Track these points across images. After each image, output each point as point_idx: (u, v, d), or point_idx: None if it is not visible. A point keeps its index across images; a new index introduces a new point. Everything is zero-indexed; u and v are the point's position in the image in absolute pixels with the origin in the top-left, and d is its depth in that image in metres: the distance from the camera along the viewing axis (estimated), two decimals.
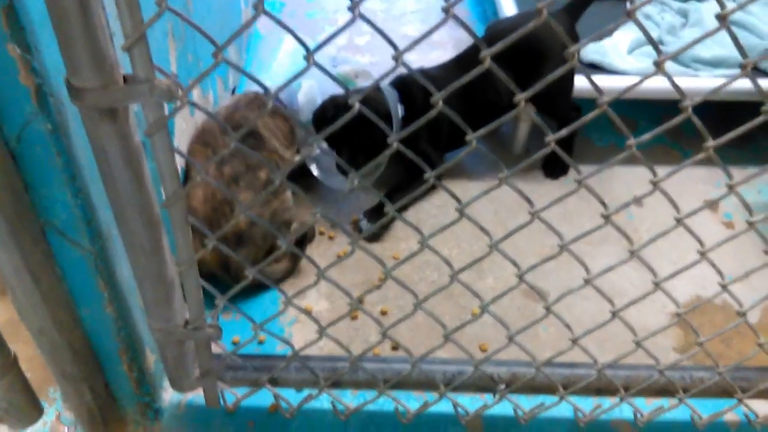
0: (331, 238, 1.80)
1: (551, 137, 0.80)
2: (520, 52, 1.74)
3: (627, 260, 0.95)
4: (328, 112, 1.82)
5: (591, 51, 2.05)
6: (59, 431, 1.29)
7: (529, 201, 0.86)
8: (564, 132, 0.81)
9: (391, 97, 1.83)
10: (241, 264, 0.97)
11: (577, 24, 1.90)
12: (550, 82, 0.73)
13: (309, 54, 0.69)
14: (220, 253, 1.48)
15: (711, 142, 0.83)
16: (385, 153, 0.81)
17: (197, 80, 0.73)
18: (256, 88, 2.04)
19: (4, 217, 0.85)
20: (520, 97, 0.75)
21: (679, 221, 0.90)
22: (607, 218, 0.88)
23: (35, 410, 1.17)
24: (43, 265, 0.94)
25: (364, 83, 2.07)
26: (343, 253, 1.75)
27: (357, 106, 0.74)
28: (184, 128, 1.57)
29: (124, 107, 0.76)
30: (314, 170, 1.89)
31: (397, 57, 0.69)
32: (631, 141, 0.80)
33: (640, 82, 0.75)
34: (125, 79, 0.73)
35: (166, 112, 0.76)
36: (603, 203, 0.87)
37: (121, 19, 0.67)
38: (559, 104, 1.93)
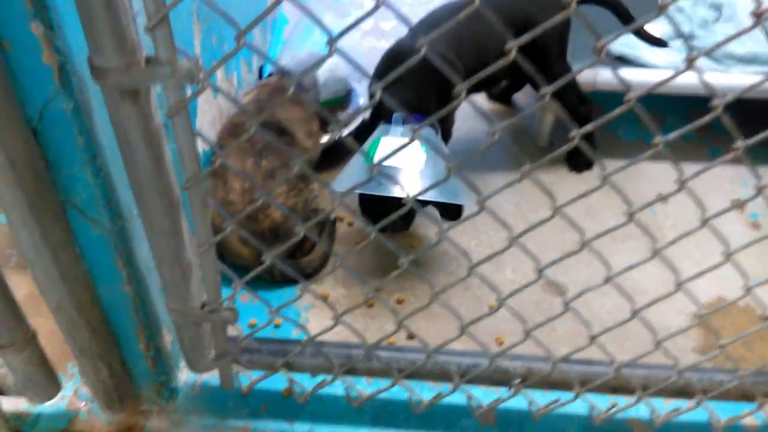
0: (350, 224, 1.80)
1: (576, 132, 0.78)
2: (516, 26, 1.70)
3: (649, 259, 0.93)
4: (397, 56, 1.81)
5: (620, 44, 2.01)
6: (76, 406, 1.30)
7: (551, 196, 0.84)
8: (590, 127, 0.80)
9: None
10: (276, 259, 0.98)
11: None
12: (549, 65, 0.70)
13: (331, 41, 0.68)
14: (257, 248, 1.49)
15: (740, 143, 0.80)
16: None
17: (219, 63, 0.73)
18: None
19: (25, 194, 0.85)
20: (512, 44, 0.69)
21: (704, 222, 0.88)
22: (631, 216, 0.86)
23: (53, 385, 1.19)
24: (63, 243, 0.95)
25: None
26: (360, 240, 1.75)
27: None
28: (206, 110, 1.57)
29: (146, 88, 0.76)
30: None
31: (419, 47, 0.68)
32: (659, 139, 0.78)
33: (670, 79, 0.73)
34: (147, 60, 0.73)
35: (188, 94, 0.75)
36: (628, 202, 0.85)
37: None
38: (566, 94, 1.86)
